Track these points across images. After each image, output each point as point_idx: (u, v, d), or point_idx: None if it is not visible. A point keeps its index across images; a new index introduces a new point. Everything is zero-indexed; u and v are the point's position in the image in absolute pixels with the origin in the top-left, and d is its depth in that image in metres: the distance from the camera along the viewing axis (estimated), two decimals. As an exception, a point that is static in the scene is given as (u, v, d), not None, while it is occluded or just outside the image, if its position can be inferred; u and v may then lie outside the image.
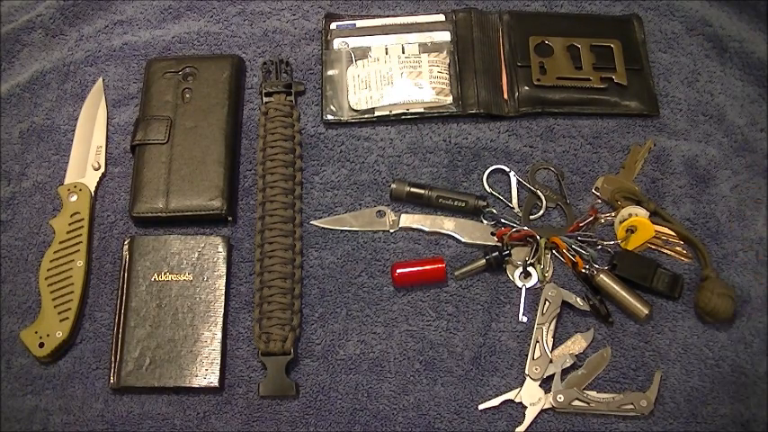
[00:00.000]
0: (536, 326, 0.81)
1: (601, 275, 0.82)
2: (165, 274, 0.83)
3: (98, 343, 0.82)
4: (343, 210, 0.89)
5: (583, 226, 0.86)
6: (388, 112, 0.92)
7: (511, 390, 0.80)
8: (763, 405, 0.79)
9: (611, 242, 0.85)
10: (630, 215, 0.85)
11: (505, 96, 0.93)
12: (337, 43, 0.96)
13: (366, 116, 0.92)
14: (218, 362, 0.80)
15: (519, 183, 0.89)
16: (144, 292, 0.82)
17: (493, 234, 0.86)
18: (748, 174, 0.90)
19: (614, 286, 0.82)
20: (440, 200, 0.87)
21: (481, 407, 0.79)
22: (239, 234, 0.88)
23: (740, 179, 0.89)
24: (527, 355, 0.80)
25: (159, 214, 0.86)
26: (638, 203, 0.86)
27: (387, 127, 0.93)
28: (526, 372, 0.80)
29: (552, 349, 0.81)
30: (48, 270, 0.83)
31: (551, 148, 0.92)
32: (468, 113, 0.92)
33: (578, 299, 0.82)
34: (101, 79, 0.96)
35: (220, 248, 0.85)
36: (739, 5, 0.98)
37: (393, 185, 0.88)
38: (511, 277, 0.85)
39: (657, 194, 0.89)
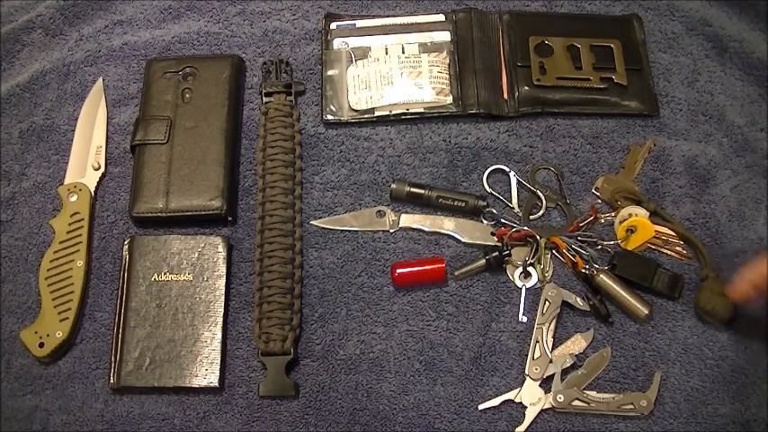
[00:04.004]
0: (536, 326, 0.81)
1: (601, 275, 0.82)
2: (165, 274, 0.83)
3: (98, 343, 0.82)
4: (343, 210, 0.89)
5: (583, 226, 0.86)
6: (388, 112, 0.92)
7: (511, 390, 0.80)
8: (763, 405, 0.79)
9: (611, 242, 0.85)
10: (630, 215, 0.85)
11: (505, 96, 0.93)
12: (337, 43, 0.96)
13: (366, 116, 0.92)
14: (218, 362, 0.80)
15: (519, 183, 0.89)
16: (144, 292, 0.82)
17: (493, 234, 0.86)
18: (748, 174, 0.90)
19: (614, 286, 0.82)
20: (440, 200, 0.87)
21: (481, 407, 0.79)
22: (239, 234, 0.88)
23: (740, 179, 0.89)
24: (527, 355, 0.80)
25: (159, 214, 0.86)
26: (638, 203, 0.86)
27: (387, 127, 0.93)
28: (526, 372, 0.80)
29: (552, 349, 0.81)
30: (48, 270, 0.83)
31: (551, 148, 0.92)
32: (469, 113, 0.92)
33: (578, 299, 0.82)
34: (101, 79, 0.96)
35: (220, 248, 0.85)
36: (739, 5, 0.98)
37: (393, 185, 0.88)
38: (511, 277, 0.85)
39: (657, 194, 0.89)
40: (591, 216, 0.86)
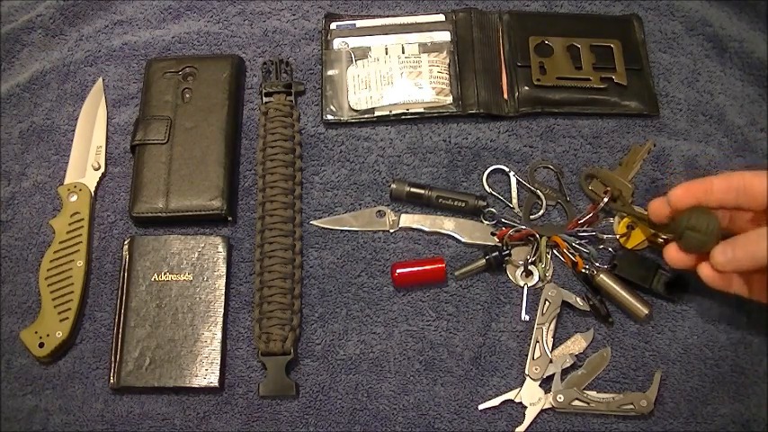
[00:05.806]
0: (536, 326, 0.81)
1: (601, 275, 0.82)
2: (165, 274, 0.83)
3: (98, 343, 0.82)
4: (343, 210, 0.89)
5: (583, 223, 0.86)
6: (388, 112, 0.92)
7: (511, 390, 0.80)
8: (763, 405, 0.79)
9: (612, 236, 0.85)
10: (630, 214, 0.85)
11: (505, 96, 0.93)
12: (337, 43, 0.96)
13: (366, 116, 0.92)
14: (218, 362, 0.80)
15: (519, 183, 0.89)
16: (144, 292, 0.82)
17: (493, 234, 0.86)
18: (748, 174, 0.90)
19: (614, 286, 0.82)
20: (440, 200, 0.87)
21: (481, 407, 0.79)
22: (239, 234, 0.88)
23: (740, 179, 0.89)
24: (527, 355, 0.80)
25: (159, 214, 0.86)
26: (613, 198, 0.85)
27: (387, 127, 0.93)
28: (526, 372, 0.80)
29: (552, 349, 0.81)
30: (48, 270, 0.83)
31: (551, 148, 0.92)
32: (468, 113, 0.92)
33: (578, 299, 0.82)
34: (101, 79, 0.96)
35: (220, 248, 0.85)
36: (739, 5, 0.98)
37: (393, 185, 0.88)
38: (511, 277, 0.85)
39: (657, 195, 0.88)
40: (590, 212, 0.86)
